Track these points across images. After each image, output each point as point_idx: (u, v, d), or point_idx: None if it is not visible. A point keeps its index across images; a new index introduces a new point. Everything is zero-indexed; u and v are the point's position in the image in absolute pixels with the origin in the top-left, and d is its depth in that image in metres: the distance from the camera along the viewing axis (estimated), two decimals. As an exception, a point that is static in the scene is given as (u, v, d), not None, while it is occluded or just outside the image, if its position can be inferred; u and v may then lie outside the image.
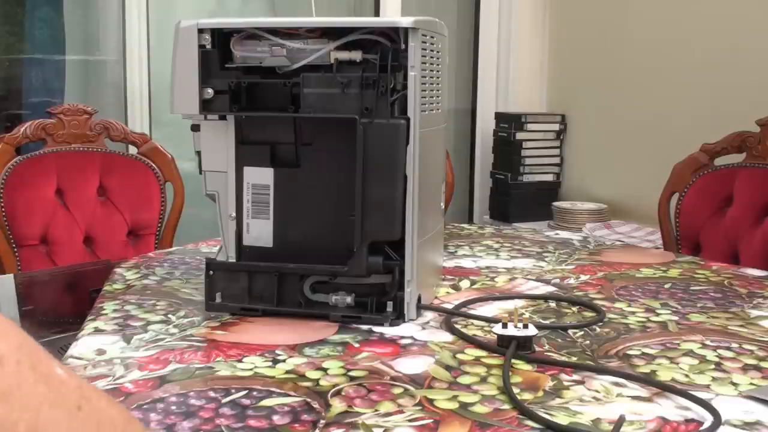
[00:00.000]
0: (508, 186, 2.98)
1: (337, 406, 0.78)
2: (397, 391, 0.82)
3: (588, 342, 0.98)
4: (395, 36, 1.00)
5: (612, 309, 1.12)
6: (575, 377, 0.86)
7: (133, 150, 2.00)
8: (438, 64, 1.11)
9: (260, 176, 1.05)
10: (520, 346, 0.92)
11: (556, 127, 3.03)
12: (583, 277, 1.30)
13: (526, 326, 0.93)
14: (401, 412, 0.77)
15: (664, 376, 0.87)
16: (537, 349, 0.94)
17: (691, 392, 0.81)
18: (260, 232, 1.06)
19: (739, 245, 1.80)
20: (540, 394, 0.82)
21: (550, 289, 1.23)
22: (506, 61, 3.14)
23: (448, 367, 0.89)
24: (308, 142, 1.04)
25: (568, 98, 3.04)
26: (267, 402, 0.79)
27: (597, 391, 0.82)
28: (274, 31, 1.03)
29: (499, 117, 3.07)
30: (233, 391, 0.81)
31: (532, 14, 3.12)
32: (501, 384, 0.83)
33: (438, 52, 1.10)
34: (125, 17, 2.61)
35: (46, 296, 1.48)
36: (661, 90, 2.63)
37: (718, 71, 2.44)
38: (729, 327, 1.05)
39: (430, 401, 0.79)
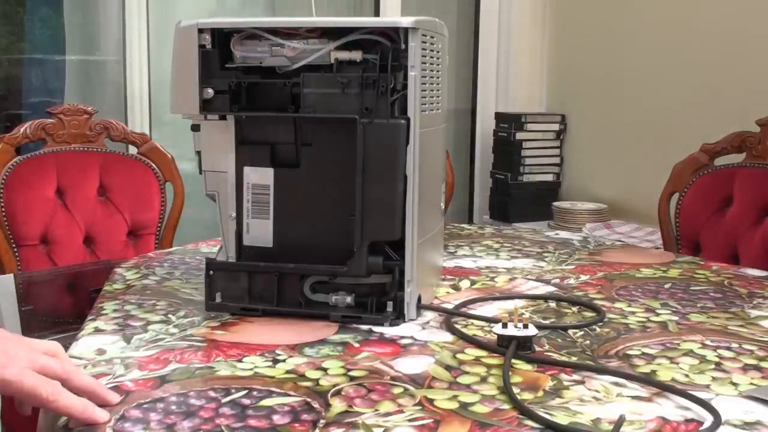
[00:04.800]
0: (508, 186, 2.98)
1: (337, 405, 0.78)
2: (397, 390, 0.82)
3: (588, 342, 0.98)
4: (395, 36, 1.00)
5: (612, 309, 1.12)
6: (575, 377, 0.86)
7: (133, 150, 2.00)
8: (438, 64, 1.11)
9: (260, 176, 1.05)
10: (520, 346, 0.92)
11: (556, 127, 3.03)
12: (583, 277, 1.30)
13: (526, 326, 0.93)
14: (401, 411, 0.77)
15: (664, 376, 0.87)
16: (537, 349, 0.94)
17: (691, 392, 0.81)
18: (260, 232, 1.06)
19: (739, 245, 1.80)
20: (540, 394, 0.82)
21: (550, 289, 1.23)
22: (506, 61, 3.14)
23: (448, 367, 0.89)
24: (308, 142, 1.04)
25: (568, 98, 3.04)
26: (267, 402, 0.79)
27: (597, 391, 0.82)
28: (274, 31, 1.03)
29: (499, 117, 3.07)
30: (233, 390, 0.81)
31: (532, 14, 3.12)
32: (501, 384, 0.84)
33: (438, 52, 1.10)
34: (125, 17, 2.61)
35: (46, 296, 1.48)
36: (662, 90, 2.63)
37: (719, 71, 2.44)
38: (729, 327, 1.05)
39: (430, 401, 0.79)
